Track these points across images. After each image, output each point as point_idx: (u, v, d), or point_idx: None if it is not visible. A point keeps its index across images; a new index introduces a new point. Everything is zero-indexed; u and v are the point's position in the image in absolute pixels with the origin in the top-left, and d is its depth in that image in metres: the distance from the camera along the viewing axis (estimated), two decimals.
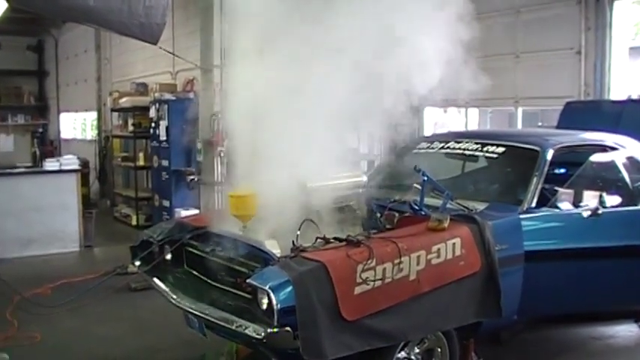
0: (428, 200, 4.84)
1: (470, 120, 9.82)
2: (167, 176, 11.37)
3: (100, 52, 17.95)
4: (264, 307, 3.92)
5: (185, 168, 10.95)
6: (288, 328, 3.80)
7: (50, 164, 10.30)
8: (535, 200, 4.93)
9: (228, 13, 4.97)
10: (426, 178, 4.79)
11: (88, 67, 18.55)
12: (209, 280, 4.86)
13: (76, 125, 20.91)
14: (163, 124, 11.36)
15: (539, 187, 4.99)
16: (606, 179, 5.48)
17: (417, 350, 4.48)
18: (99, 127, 17.79)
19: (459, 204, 4.84)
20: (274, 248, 4.34)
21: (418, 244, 4.23)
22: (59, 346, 6.06)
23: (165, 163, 11.43)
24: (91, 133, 19.25)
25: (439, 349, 4.58)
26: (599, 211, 5.07)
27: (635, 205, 5.39)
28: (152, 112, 11.76)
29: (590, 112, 7.04)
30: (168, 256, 5.27)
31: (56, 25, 20.05)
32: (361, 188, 5.03)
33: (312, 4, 4.85)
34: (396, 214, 4.89)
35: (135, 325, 6.62)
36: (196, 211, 9.52)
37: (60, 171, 10.24)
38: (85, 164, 13.03)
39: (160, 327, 6.30)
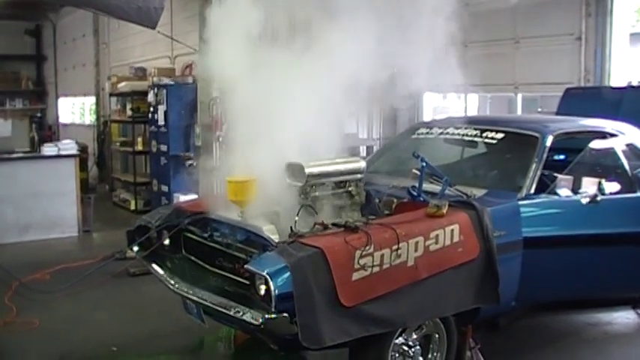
0: (426, 186, 4.83)
1: (469, 106, 9.80)
2: (166, 161, 11.35)
3: (98, 36, 17.89)
4: (262, 292, 3.92)
5: (184, 153, 10.93)
6: (285, 314, 3.80)
7: (48, 149, 10.27)
8: (534, 186, 4.92)
9: None
10: (424, 164, 4.77)
11: (86, 52, 18.48)
12: (207, 266, 4.86)
13: (75, 110, 20.87)
14: (162, 108, 11.32)
15: (539, 173, 4.98)
16: (605, 166, 5.47)
17: (414, 336, 4.47)
18: (97, 112, 17.75)
19: (457, 190, 4.83)
20: (272, 234, 4.33)
21: (416, 230, 4.21)
22: (58, 331, 6.06)
23: (163, 148, 11.41)
24: (89, 118, 19.21)
25: (437, 336, 4.58)
26: (598, 198, 5.06)
27: (634, 192, 5.38)
28: (150, 97, 11.72)
29: (590, 98, 7.02)
30: (167, 242, 5.26)
31: (54, 10, 19.95)
32: (360, 174, 5.01)
33: None
34: (395, 200, 4.89)
35: (133, 310, 6.62)
36: (195, 196, 9.51)
37: (58, 156, 10.20)
38: (83, 149, 12.99)
39: (158, 312, 6.29)
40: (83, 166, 12.44)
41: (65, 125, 21.04)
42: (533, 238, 4.73)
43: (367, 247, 3.97)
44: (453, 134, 5.74)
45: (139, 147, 12.68)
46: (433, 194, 4.74)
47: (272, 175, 4.67)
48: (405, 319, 4.23)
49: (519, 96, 8.91)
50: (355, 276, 3.93)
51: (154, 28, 9.31)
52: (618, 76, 7.84)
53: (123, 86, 13.20)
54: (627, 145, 5.59)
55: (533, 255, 4.71)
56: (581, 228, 5.05)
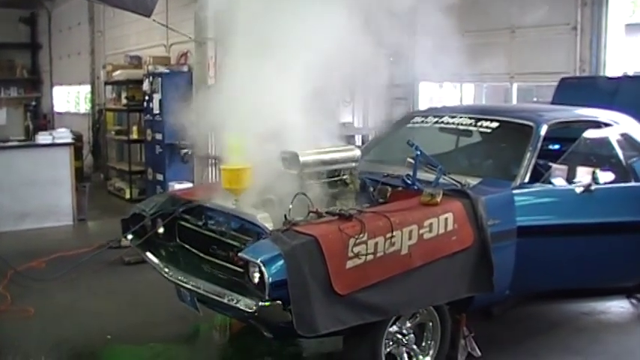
0: (421, 175, 4.83)
1: (465, 95, 9.79)
2: (161, 150, 11.32)
3: (94, 24, 17.81)
4: (256, 280, 3.92)
5: (179, 141, 10.90)
6: (279, 302, 3.80)
7: (43, 138, 10.23)
8: (528, 176, 4.92)
9: None
10: (419, 153, 4.77)
11: (81, 40, 18.41)
12: (201, 254, 4.86)
13: (70, 98, 20.79)
14: (157, 97, 11.29)
15: (533, 162, 4.98)
16: (600, 155, 5.48)
17: (408, 325, 4.49)
18: (92, 101, 17.69)
19: (452, 179, 4.82)
20: (266, 222, 4.33)
21: (410, 219, 4.22)
22: (53, 319, 6.06)
23: (158, 136, 11.38)
24: (84, 107, 19.15)
25: (431, 324, 4.59)
26: (592, 188, 5.06)
27: (628, 182, 5.39)
28: (146, 85, 11.69)
29: (585, 88, 7.01)
30: (161, 230, 5.26)
31: None
32: (354, 162, 5.01)
33: None
34: (389, 189, 4.89)
35: (128, 299, 6.62)
36: (190, 185, 9.51)
37: (53, 144, 10.17)
38: (78, 138, 12.96)
39: (153, 301, 6.29)
40: (78, 154, 12.43)
41: (60, 114, 20.97)
42: (527, 227, 4.74)
43: (361, 235, 3.97)
44: (447, 123, 5.73)
45: (134, 135, 12.66)
46: (428, 183, 4.74)
47: (267, 163, 4.67)
48: (399, 307, 4.23)
49: (515, 85, 8.90)
50: (349, 264, 3.93)
51: (149, 16, 9.26)
52: (614, 66, 7.84)
53: (118, 75, 13.17)
54: (622, 134, 5.60)
55: (527, 244, 4.71)
56: (575, 217, 5.05)
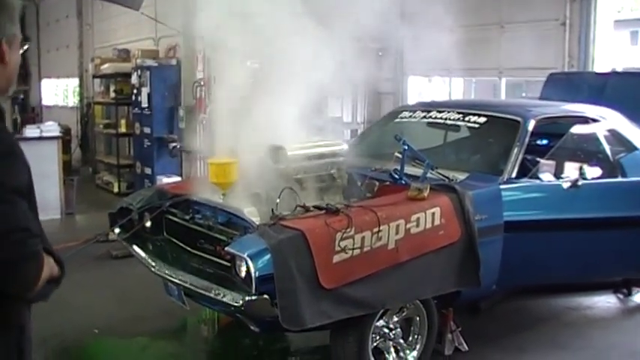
0: (408, 169, 4.83)
1: (454, 90, 9.80)
2: (149, 143, 11.28)
3: (82, 17, 17.73)
4: (243, 274, 3.91)
5: (167, 135, 10.87)
6: (266, 296, 3.79)
7: (31, 131, 10.15)
8: (516, 171, 4.92)
9: None
10: (406, 147, 4.77)
11: (69, 33, 18.31)
12: (188, 248, 4.84)
13: (58, 92, 20.69)
14: (145, 90, 11.24)
15: (520, 157, 4.98)
16: (587, 151, 5.50)
17: (395, 319, 4.49)
18: (81, 94, 17.61)
19: (439, 173, 4.83)
20: (253, 216, 4.33)
21: (397, 213, 4.21)
22: (40, 314, 5.90)
23: (147, 130, 11.33)
24: (72, 100, 19.06)
25: (418, 318, 4.60)
26: (579, 183, 5.07)
27: (615, 177, 5.40)
28: (134, 79, 11.63)
29: (574, 83, 7.02)
30: (148, 224, 5.23)
31: None
32: (342, 156, 5.01)
33: None
34: (377, 183, 4.88)
35: (116, 293, 6.59)
36: (178, 179, 9.49)
37: (41, 138, 10.08)
38: (66, 131, 12.90)
39: (141, 295, 6.26)
40: (66, 148, 12.35)
41: (48, 107, 20.86)
42: (514, 222, 4.74)
43: (348, 230, 3.97)
44: (435, 118, 5.74)
45: (123, 129, 12.60)
46: (415, 177, 4.74)
47: (254, 157, 4.66)
48: (386, 301, 4.23)
49: (503, 80, 8.92)
50: (336, 258, 3.93)
51: (137, 9, 9.25)
52: (602, 62, 7.87)
53: (106, 68, 13.10)
54: (609, 130, 5.61)
55: (514, 239, 4.72)
56: (562, 212, 5.07)
